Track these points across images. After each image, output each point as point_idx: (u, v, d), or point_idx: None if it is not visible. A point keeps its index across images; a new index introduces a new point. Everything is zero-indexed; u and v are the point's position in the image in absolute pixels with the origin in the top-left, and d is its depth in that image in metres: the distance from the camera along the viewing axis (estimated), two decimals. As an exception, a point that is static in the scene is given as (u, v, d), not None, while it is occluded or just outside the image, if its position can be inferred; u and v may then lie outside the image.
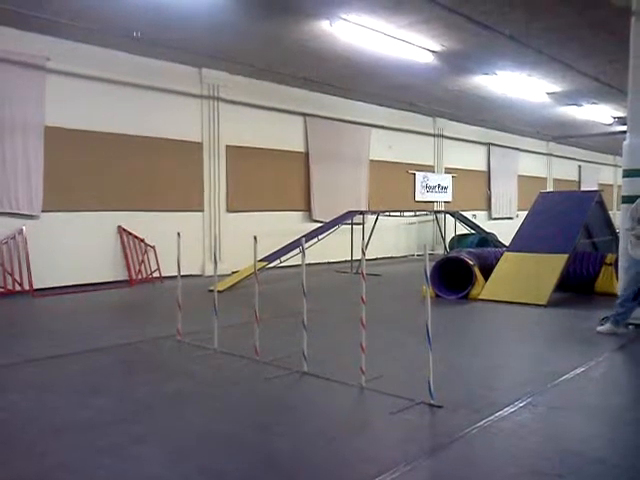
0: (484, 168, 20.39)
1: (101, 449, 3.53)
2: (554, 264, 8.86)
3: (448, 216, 16.70)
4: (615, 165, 26.93)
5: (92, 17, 8.77)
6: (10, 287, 9.43)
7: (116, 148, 10.74)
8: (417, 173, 17.54)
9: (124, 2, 8.22)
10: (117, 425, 3.92)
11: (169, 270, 10.45)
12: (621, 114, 15.80)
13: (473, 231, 16.38)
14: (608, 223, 10.83)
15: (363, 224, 12.96)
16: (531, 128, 19.71)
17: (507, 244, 10.70)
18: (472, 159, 19.73)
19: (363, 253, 4.94)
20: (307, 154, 14.28)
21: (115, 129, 10.71)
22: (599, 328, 6.70)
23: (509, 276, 9.14)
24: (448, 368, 5.16)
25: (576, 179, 26.00)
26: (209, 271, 11.66)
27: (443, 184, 18.53)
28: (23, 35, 9.41)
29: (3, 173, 9.45)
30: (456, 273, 9.38)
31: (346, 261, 13.26)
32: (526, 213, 10.78)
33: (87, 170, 10.39)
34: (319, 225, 13.00)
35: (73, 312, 8.35)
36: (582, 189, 23.66)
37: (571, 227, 9.44)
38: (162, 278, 11.07)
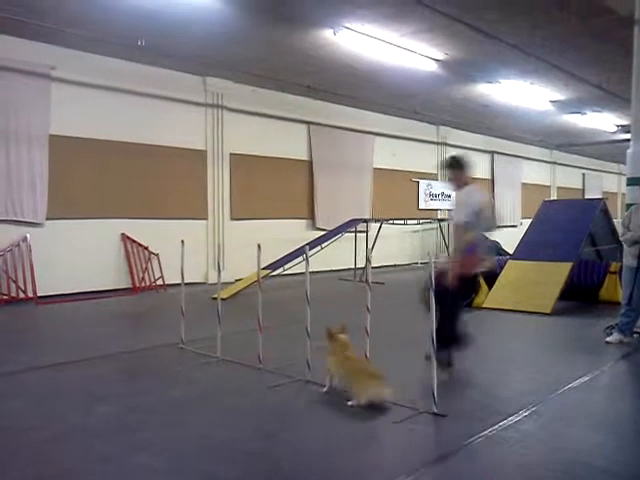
0: (488, 176, 20.38)
1: (104, 457, 3.53)
2: (558, 272, 8.84)
3: (452, 224, 16.65)
4: (619, 173, 26.88)
5: (97, 26, 8.83)
6: (14, 294, 9.45)
7: (120, 156, 10.78)
8: (421, 181, 17.55)
9: (129, 11, 8.28)
10: (120, 432, 3.92)
11: (173, 278, 10.45)
12: (625, 122, 15.79)
13: (477, 239, 16.33)
14: (612, 231, 10.80)
15: (367, 232, 12.96)
16: (535, 136, 19.71)
17: (511, 252, 10.67)
18: (476, 167, 19.67)
19: (368, 261, 4.92)
20: (311, 162, 14.30)
21: (120, 137, 10.75)
22: (608, 338, 6.66)
23: (513, 284, 9.11)
24: (452, 377, 5.13)
25: (580, 187, 25.97)
26: (213, 279, 11.66)
27: (447, 192, 18.51)
28: (28, 44, 9.48)
29: (8, 181, 9.49)
30: (460, 281, 9.34)
31: (350, 269, 13.25)
32: (530, 221, 10.77)
33: (91, 178, 10.43)
34: (323, 233, 13.00)
35: (77, 320, 8.36)
36: (586, 197, 23.63)
37: (575, 235, 9.42)
38: (165, 286, 11.07)
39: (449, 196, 18.50)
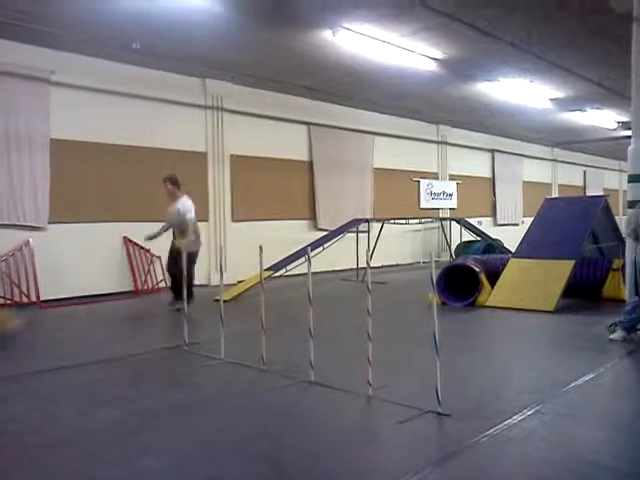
0: (489, 174, 20.37)
1: (106, 461, 3.52)
2: (561, 270, 8.82)
3: (453, 223, 16.67)
4: (620, 170, 26.86)
5: (96, 29, 8.84)
6: (17, 299, 9.45)
7: (121, 159, 10.78)
8: (421, 180, 17.55)
9: (128, 14, 8.28)
10: (123, 436, 3.92)
11: (175, 280, 10.45)
12: (626, 119, 15.78)
13: (479, 238, 16.34)
14: (614, 228, 10.79)
15: (368, 232, 12.95)
16: (535, 134, 19.70)
17: (513, 250, 10.66)
18: (476, 166, 19.71)
19: (368, 264, 4.89)
20: (311, 163, 14.31)
21: (120, 140, 10.76)
22: (611, 336, 6.63)
23: (516, 282, 9.10)
24: (455, 376, 5.13)
25: (581, 184, 25.95)
26: (215, 281, 11.65)
27: (448, 191, 18.51)
28: (27, 48, 9.48)
29: (9, 185, 9.50)
30: (462, 280, 9.35)
31: (352, 269, 13.24)
32: (532, 219, 10.76)
33: (93, 181, 10.43)
34: (324, 233, 13.00)
35: (79, 323, 8.36)
36: (587, 194, 23.62)
37: (577, 233, 9.40)
38: (168, 288, 11.05)
39: (450, 195, 18.54)
